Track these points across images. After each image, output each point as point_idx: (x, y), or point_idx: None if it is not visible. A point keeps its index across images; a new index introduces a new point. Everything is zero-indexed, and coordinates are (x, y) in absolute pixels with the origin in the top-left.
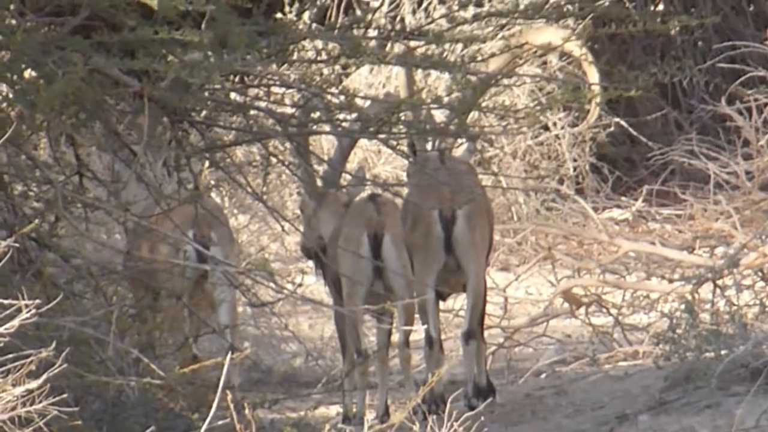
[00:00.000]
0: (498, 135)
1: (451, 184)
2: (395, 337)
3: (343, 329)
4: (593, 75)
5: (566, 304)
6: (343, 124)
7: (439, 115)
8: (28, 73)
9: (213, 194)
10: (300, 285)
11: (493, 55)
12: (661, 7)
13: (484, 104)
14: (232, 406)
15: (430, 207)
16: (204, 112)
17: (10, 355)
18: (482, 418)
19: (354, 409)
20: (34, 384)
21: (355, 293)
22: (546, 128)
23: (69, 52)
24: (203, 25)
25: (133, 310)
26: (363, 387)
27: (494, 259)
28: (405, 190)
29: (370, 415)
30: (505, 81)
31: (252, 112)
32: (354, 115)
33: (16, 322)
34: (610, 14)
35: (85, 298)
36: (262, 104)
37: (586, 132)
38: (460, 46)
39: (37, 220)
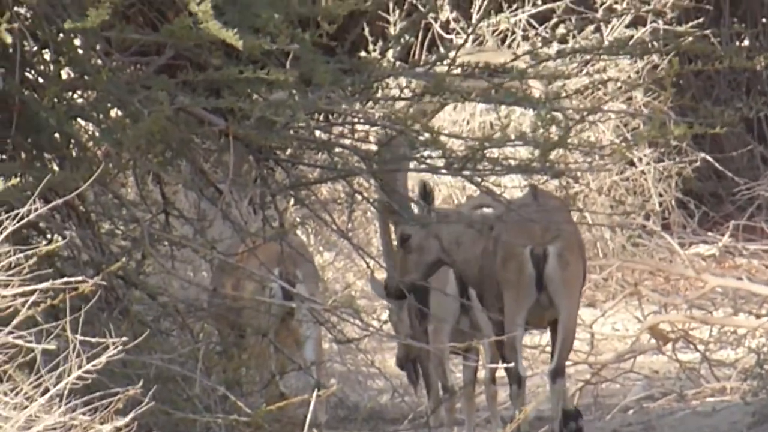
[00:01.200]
0: (584, 172)
1: (543, 220)
2: (481, 374)
3: (429, 366)
4: None
5: (653, 340)
6: (427, 160)
7: (524, 152)
8: (114, 112)
9: (298, 232)
10: (386, 322)
11: (578, 91)
12: (746, 42)
13: (569, 141)
14: None
15: (521, 244)
16: (289, 150)
17: (98, 393)
18: None
19: None
20: (122, 422)
21: (442, 330)
22: (632, 164)
23: (155, 91)
24: (288, 64)
25: (220, 347)
26: (449, 424)
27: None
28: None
29: None
30: (591, 117)
31: (337, 149)
32: (438, 152)
33: (103, 360)
34: (696, 51)
35: (172, 336)
36: (347, 142)
37: (672, 167)
38: (544, 82)
39: (124, 258)
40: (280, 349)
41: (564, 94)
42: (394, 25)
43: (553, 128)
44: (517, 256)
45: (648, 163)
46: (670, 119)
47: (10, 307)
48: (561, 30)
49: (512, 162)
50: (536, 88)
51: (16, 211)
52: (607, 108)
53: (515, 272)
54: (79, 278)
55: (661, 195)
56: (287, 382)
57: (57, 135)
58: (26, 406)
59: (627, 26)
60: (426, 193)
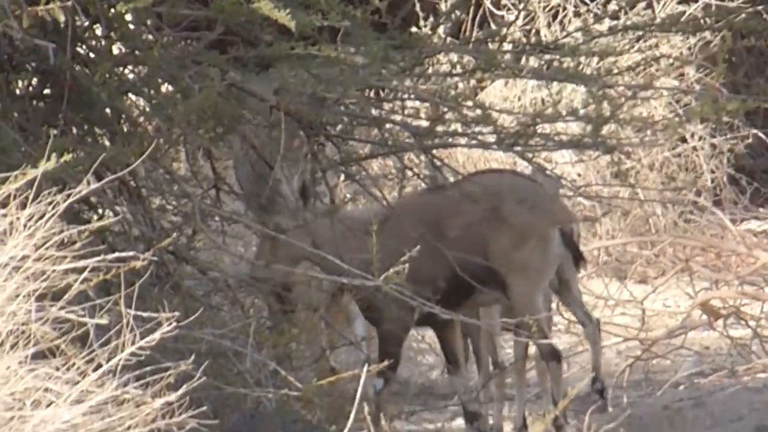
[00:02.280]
0: (635, 147)
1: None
2: (532, 350)
3: (479, 342)
4: None
5: (704, 316)
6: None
7: (575, 127)
8: (165, 88)
9: (348, 207)
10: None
11: (629, 68)
12: None
13: (621, 116)
14: (369, 418)
15: (550, 225)
16: (339, 126)
17: (150, 368)
18: (621, 430)
19: (490, 422)
20: (173, 396)
21: (492, 306)
22: (683, 140)
23: (205, 66)
24: (338, 40)
25: (270, 323)
26: (500, 399)
27: (632, 271)
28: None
29: (507, 427)
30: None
31: (387, 125)
32: (489, 128)
33: (157, 336)
34: (748, 27)
35: (223, 311)
36: (397, 118)
37: (724, 143)
38: (595, 58)
39: (174, 234)
40: (331, 324)
41: (616, 71)
42: (445, 1)
43: (605, 104)
44: (543, 237)
45: (700, 139)
46: (722, 95)
47: (62, 282)
48: (613, 6)
49: (564, 138)
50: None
51: (67, 187)
52: (659, 84)
53: (539, 253)
54: (131, 253)
55: (713, 171)
56: (338, 358)
57: (108, 110)
58: (78, 381)
59: (679, 2)
60: (304, 190)
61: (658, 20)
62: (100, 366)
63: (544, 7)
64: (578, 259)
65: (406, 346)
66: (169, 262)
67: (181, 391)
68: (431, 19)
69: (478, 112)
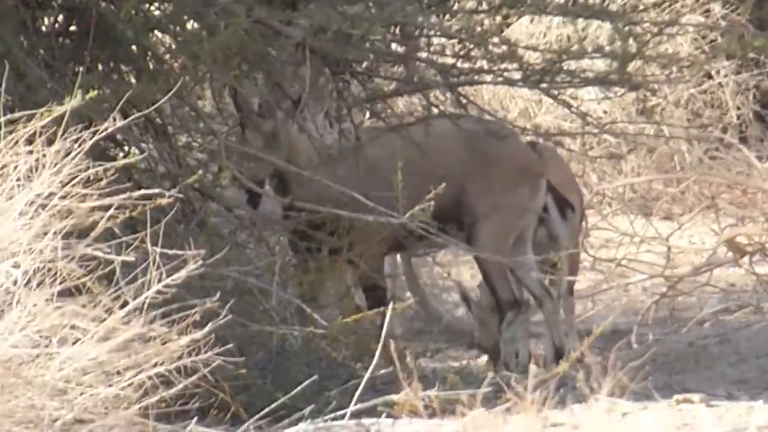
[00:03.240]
0: (661, 84)
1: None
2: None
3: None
4: None
5: (730, 253)
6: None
7: (601, 64)
8: (191, 25)
9: None
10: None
11: (655, 4)
12: None
13: (647, 53)
14: (394, 355)
15: (539, 175)
16: (365, 63)
17: (176, 305)
18: (646, 367)
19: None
20: (199, 334)
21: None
22: (709, 76)
23: (231, 3)
24: None
25: (296, 260)
26: (524, 336)
27: (657, 208)
28: (565, 140)
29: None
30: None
31: (413, 62)
32: (515, 65)
33: (183, 274)
34: None
35: (248, 248)
36: (423, 55)
37: (750, 80)
38: None
39: (200, 171)
40: (356, 262)
41: (641, 7)
42: None
43: (631, 41)
44: (534, 183)
45: (726, 76)
46: (748, 32)
47: (88, 219)
48: None
49: (589, 75)
50: None
51: (93, 124)
52: (685, 21)
53: (528, 197)
54: (156, 191)
55: (738, 108)
56: (362, 295)
57: (134, 48)
58: (105, 319)
59: None
60: (299, 101)
61: None
62: (126, 303)
63: None
64: (564, 206)
65: (431, 283)
66: (195, 199)
67: (206, 329)
68: None
69: (504, 48)
